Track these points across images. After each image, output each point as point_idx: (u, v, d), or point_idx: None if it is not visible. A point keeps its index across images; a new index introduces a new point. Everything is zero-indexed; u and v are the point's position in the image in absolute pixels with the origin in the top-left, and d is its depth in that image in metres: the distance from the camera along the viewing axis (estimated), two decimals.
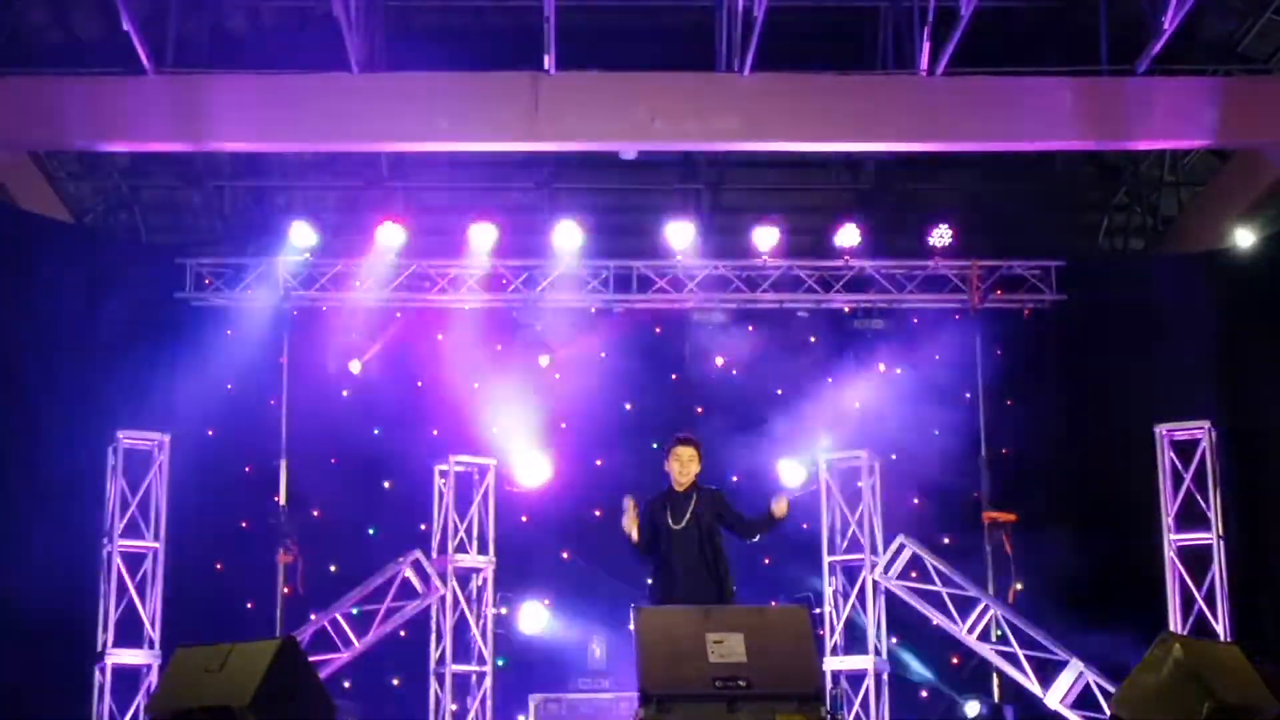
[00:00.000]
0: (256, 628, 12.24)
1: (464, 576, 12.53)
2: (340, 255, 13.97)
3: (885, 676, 12.38)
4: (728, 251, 14.32)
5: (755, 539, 9.64)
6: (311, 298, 13.93)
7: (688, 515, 9.41)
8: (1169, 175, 14.84)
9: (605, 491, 13.56)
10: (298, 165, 14.70)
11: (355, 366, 13.77)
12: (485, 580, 12.59)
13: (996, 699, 12.74)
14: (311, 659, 10.50)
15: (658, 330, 14.34)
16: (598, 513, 13.53)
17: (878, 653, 12.35)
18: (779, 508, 9.18)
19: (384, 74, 12.38)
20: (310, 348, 13.76)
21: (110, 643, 12.00)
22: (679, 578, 9.29)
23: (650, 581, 9.61)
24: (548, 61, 12.03)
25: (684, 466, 9.55)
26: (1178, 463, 12.38)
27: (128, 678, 12.08)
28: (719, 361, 14.28)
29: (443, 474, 12.57)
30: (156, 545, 12.26)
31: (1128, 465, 13.27)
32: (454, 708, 12.24)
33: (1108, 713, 10.73)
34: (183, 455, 12.58)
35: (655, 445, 12.38)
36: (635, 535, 9.28)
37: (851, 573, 12.53)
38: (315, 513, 13.47)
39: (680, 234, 13.90)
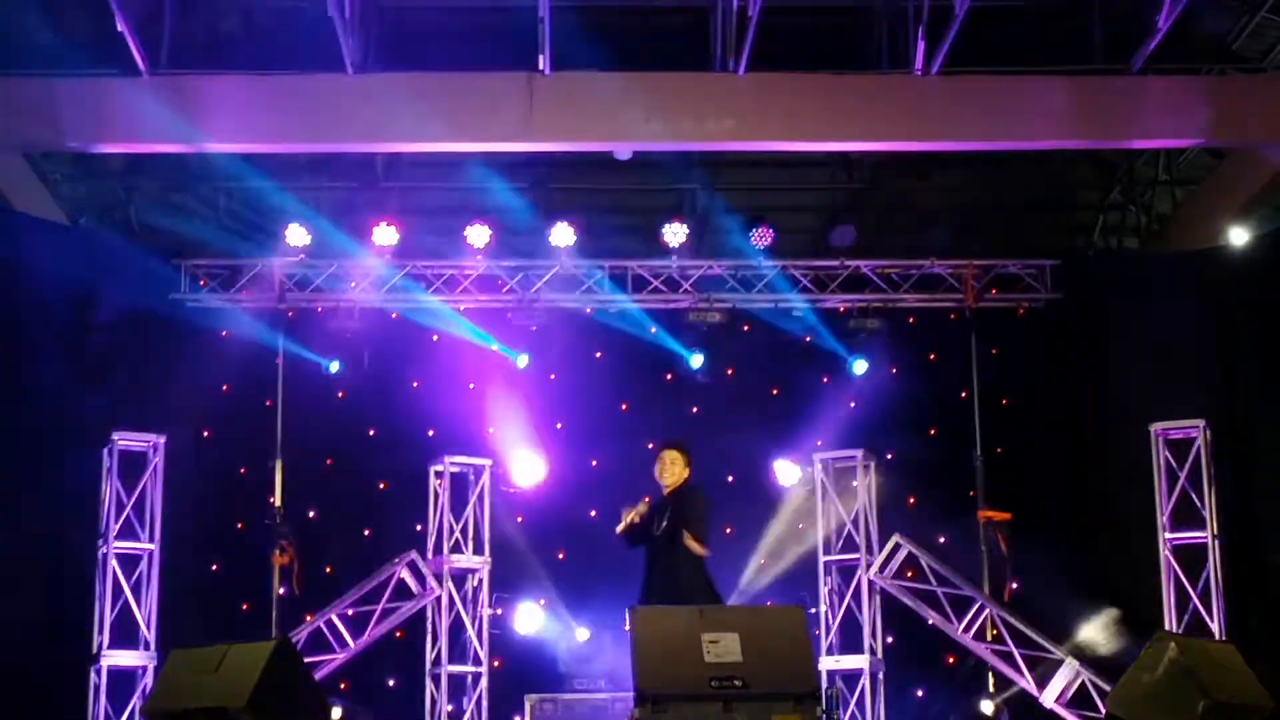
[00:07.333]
0: (252, 629, 12.20)
1: (459, 577, 12.54)
2: (335, 257, 13.97)
3: (880, 676, 12.39)
4: (723, 251, 14.33)
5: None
6: (307, 299, 13.94)
7: (665, 521, 9.40)
8: (1163, 174, 14.82)
9: (601, 492, 13.55)
10: (293, 167, 14.67)
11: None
12: (481, 581, 12.60)
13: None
14: (307, 660, 10.55)
15: (653, 330, 14.33)
16: (593, 513, 13.51)
17: (873, 652, 12.35)
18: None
19: (379, 75, 12.36)
20: (306, 349, 13.75)
21: (106, 644, 12.00)
22: (653, 584, 9.29)
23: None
24: (542, 62, 12.02)
25: (665, 469, 9.53)
26: (1172, 461, 12.39)
27: (123, 679, 12.09)
28: (714, 362, 14.26)
29: (438, 475, 12.58)
30: (152, 547, 12.26)
31: (1123, 464, 13.27)
32: (450, 708, 12.24)
33: (1103, 712, 10.73)
34: (178, 457, 12.62)
35: (650, 445, 12.37)
36: (621, 525, 9.25)
37: (847, 572, 12.54)
38: (311, 514, 13.48)
39: (675, 234, 13.90)
